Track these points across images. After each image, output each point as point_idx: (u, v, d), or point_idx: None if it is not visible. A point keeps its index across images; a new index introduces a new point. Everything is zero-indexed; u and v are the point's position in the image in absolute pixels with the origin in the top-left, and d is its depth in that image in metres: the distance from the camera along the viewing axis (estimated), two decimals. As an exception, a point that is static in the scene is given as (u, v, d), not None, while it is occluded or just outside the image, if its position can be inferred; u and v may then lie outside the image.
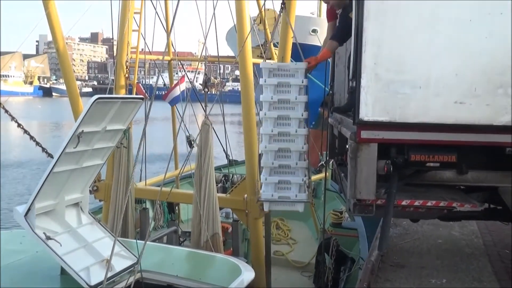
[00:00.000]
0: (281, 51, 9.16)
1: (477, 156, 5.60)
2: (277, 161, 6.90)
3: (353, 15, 5.56)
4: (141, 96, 7.42)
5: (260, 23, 14.50)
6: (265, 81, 6.81)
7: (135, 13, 11.62)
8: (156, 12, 12.45)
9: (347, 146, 5.65)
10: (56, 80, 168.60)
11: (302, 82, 6.76)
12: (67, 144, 5.81)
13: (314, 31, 25.25)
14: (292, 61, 7.62)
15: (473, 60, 5.10)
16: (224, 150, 13.62)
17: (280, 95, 6.78)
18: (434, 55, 5.13)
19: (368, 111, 5.22)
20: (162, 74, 13.71)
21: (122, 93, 10.93)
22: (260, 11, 13.21)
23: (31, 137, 9.94)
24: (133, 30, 11.69)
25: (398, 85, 5.16)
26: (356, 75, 5.23)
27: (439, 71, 5.13)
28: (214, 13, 9.19)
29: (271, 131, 6.82)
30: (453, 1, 5.10)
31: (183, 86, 13.59)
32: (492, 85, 5.10)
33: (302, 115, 6.78)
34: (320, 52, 7.34)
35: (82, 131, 5.85)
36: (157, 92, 6.80)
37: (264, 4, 13.89)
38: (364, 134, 5.35)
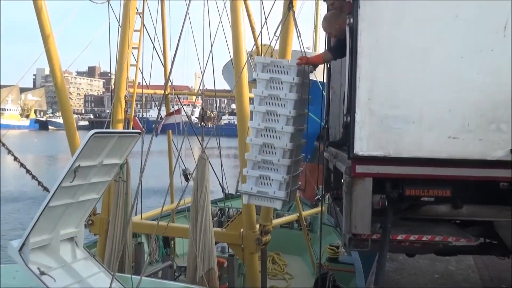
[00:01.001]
0: (282, 52, 9.14)
1: (471, 190, 5.63)
2: (260, 156, 6.86)
3: (347, 49, 5.66)
4: (138, 131, 7.48)
5: (257, 58, 14.66)
6: (257, 75, 6.83)
7: (133, 48, 11.76)
8: (154, 47, 12.62)
9: (342, 181, 5.67)
10: (52, 113, 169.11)
11: (293, 80, 6.71)
12: (63, 178, 5.83)
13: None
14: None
15: (466, 96, 5.18)
16: (220, 183, 13.63)
17: (271, 91, 6.77)
18: (427, 90, 5.22)
19: (362, 146, 5.27)
20: (159, 108, 13.76)
21: (120, 128, 11.00)
22: (257, 46, 13.37)
23: (27, 171, 9.91)
24: (131, 65, 11.82)
25: (392, 120, 5.23)
26: (351, 110, 5.30)
27: (432, 107, 5.21)
28: (211, 48, 9.33)
29: (258, 125, 6.81)
30: (445, 37, 5.21)
31: (178, 118, 13.67)
32: (484, 120, 5.17)
33: (290, 113, 6.71)
34: (314, 56, 7.40)
35: (79, 165, 5.88)
36: (152, 126, 6.85)
37: (261, 33, 14.07)
38: (359, 169, 5.38)
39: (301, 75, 6.88)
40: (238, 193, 7.44)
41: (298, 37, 8.41)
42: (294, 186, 7.35)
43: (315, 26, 35.82)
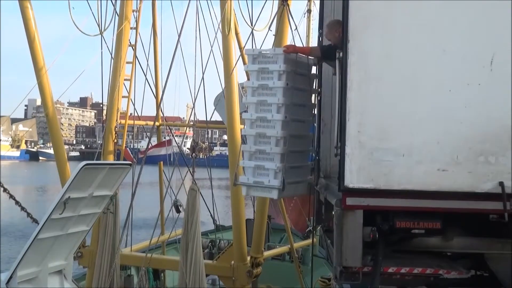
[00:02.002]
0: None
1: (461, 223, 5.65)
2: (255, 146, 6.89)
3: (337, 83, 5.73)
4: (129, 162, 7.49)
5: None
6: (247, 68, 6.95)
7: (125, 79, 11.81)
8: (146, 79, 12.68)
9: (333, 213, 5.67)
10: (43, 144, 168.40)
11: (280, 68, 6.72)
12: (52, 210, 5.81)
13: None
14: None
15: (454, 129, 5.25)
16: (211, 215, 13.56)
17: (261, 81, 6.83)
18: (416, 123, 5.28)
19: (353, 178, 5.29)
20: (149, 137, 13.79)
21: (110, 159, 10.98)
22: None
23: (17, 202, 9.84)
24: (123, 96, 11.86)
25: (382, 152, 5.27)
26: (341, 142, 5.34)
27: (421, 139, 5.27)
28: (202, 78, 9.40)
29: (251, 115, 6.87)
30: (433, 71, 5.30)
31: (169, 150, 13.65)
32: (473, 153, 5.22)
33: (279, 100, 6.72)
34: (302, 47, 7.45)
35: (69, 197, 5.86)
36: (138, 154, 6.84)
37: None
38: (350, 201, 5.39)
39: (290, 63, 6.89)
40: (235, 185, 7.46)
41: (294, 29, 8.49)
42: (301, 178, 7.42)
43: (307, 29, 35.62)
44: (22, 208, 9.93)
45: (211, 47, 10.34)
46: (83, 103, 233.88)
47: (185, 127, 17.79)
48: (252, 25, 10.63)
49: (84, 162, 5.89)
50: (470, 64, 5.25)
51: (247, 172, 7.01)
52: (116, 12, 10.87)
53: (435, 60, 5.29)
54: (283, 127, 6.75)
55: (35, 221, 9.54)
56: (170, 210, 12.05)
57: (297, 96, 7.02)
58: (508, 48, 5.21)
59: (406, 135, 5.27)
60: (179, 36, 9.24)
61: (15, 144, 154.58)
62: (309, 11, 34.56)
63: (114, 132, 11.01)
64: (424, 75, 5.30)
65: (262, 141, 6.89)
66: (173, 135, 15.44)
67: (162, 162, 14.45)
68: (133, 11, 11.46)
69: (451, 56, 5.26)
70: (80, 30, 10.39)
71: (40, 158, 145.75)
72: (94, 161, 6.54)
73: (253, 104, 6.88)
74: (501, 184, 5.17)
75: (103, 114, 11.90)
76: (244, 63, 13.46)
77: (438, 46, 5.27)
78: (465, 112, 5.23)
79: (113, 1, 10.84)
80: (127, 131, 13.39)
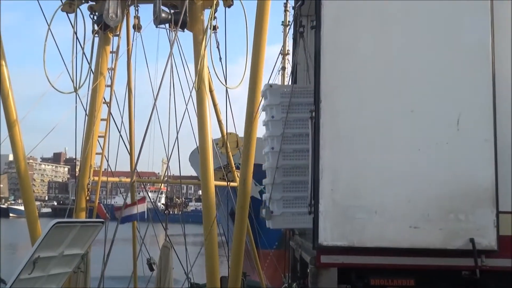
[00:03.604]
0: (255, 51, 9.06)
1: (434, 279, 5.66)
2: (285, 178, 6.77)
3: (310, 142, 5.83)
4: (102, 220, 7.39)
5: (222, 146, 14.87)
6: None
7: (99, 136, 11.76)
8: (121, 135, 12.63)
9: (308, 270, 5.66)
10: (14, 200, 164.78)
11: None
12: (21, 270, 5.66)
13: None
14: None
15: (424, 187, 5.35)
16: (185, 272, 13.32)
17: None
18: (387, 181, 5.38)
19: (327, 236, 5.31)
20: (123, 194, 13.69)
21: (82, 217, 10.79)
22: (223, 135, 13.58)
23: (-16, 262, 9.58)
24: (97, 153, 11.78)
25: (355, 210, 5.33)
26: (314, 200, 5.39)
27: (393, 197, 5.35)
28: (177, 138, 9.44)
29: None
30: (402, 131, 5.44)
31: (141, 208, 13.47)
32: (443, 210, 5.31)
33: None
34: None
35: (38, 256, 5.73)
36: (116, 216, 6.76)
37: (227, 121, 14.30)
38: (324, 259, 5.41)
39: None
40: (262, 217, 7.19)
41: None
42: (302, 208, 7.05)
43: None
44: (-11, 268, 9.65)
45: (186, 104, 10.44)
46: (56, 158, 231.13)
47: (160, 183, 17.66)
48: (225, 83, 10.78)
49: (55, 220, 5.79)
50: (438, 124, 5.41)
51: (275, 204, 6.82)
52: (91, 69, 10.94)
53: (404, 120, 5.45)
54: (273, 157, 6.73)
55: (3, 281, 9.25)
56: (143, 268, 11.85)
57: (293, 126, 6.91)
58: (473, 107, 5.40)
59: (378, 193, 5.36)
60: (155, 100, 9.31)
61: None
62: (283, 68, 35.32)
63: (87, 189, 10.89)
64: (394, 135, 5.45)
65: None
66: (147, 191, 15.31)
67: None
68: (108, 69, 11.55)
69: (419, 116, 5.42)
70: (54, 88, 10.38)
71: (11, 214, 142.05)
72: (66, 219, 6.44)
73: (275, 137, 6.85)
74: (471, 240, 5.24)
75: (77, 170, 11.77)
76: (218, 119, 13.63)
77: (406, 106, 5.44)
78: (434, 171, 5.36)
79: (88, 59, 10.93)
80: (101, 187, 13.23)
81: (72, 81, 10.60)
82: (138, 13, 11.18)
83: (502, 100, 5.42)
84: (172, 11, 10.74)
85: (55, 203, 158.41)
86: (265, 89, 7.00)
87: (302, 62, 8.39)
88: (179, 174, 13.18)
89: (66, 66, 10.65)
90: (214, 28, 10.68)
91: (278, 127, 6.75)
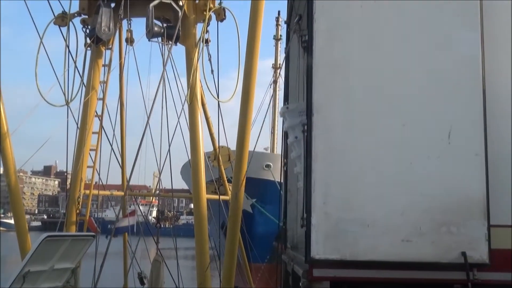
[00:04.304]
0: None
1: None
2: None
3: (302, 156, 5.84)
4: (93, 234, 7.35)
5: (214, 159, 14.86)
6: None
7: (90, 150, 11.71)
8: (112, 149, 12.58)
9: (300, 284, 5.64)
10: (4, 213, 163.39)
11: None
12: (11, 285, 5.61)
13: (267, 166, 25.92)
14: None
15: (416, 200, 5.36)
16: (176, 286, 13.23)
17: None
18: (379, 194, 5.38)
19: (319, 249, 5.30)
20: (115, 208, 13.63)
21: (73, 230, 10.71)
22: (215, 148, 13.58)
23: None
24: (88, 167, 11.73)
25: (347, 223, 5.32)
26: (307, 213, 5.38)
27: (386, 211, 5.35)
28: (169, 149, 9.43)
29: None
30: (394, 144, 5.46)
31: (132, 221, 13.40)
32: (435, 224, 5.32)
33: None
34: None
35: (28, 270, 5.68)
36: (109, 226, 6.72)
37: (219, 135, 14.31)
38: (316, 272, 5.39)
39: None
40: None
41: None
42: None
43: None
44: (-22, 282, 9.55)
45: (178, 118, 10.44)
46: (47, 171, 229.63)
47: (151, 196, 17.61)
48: (217, 97, 10.81)
49: (45, 234, 5.76)
50: (429, 138, 5.44)
51: None
52: (83, 83, 10.93)
53: (396, 134, 5.47)
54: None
55: (-8, 296, 9.17)
56: (134, 282, 11.76)
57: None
58: (464, 121, 5.44)
59: (371, 206, 5.36)
60: (149, 116, 9.31)
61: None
62: (275, 81, 35.54)
63: (77, 203, 10.82)
64: (386, 148, 5.46)
65: None
66: (138, 205, 15.23)
67: (126, 233, 14.16)
68: (100, 82, 11.53)
69: (410, 129, 5.45)
70: (46, 101, 10.36)
71: (0, 228, 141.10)
72: (56, 233, 6.40)
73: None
74: (463, 254, 5.24)
75: (67, 183, 11.69)
76: (210, 132, 13.64)
77: (398, 120, 5.46)
78: (426, 184, 5.37)
79: (80, 72, 10.91)
80: (92, 200, 13.16)
81: (64, 94, 10.58)
82: (130, 26, 11.20)
83: (492, 114, 5.46)
84: (164, 24, 10.79)
85: (45, 217, 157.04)
86: (283, 111, 7.11)
87: (294, 76, 8.46)
88: (171, 187, 13.14)
89: (58, 79, 10.64)
90: (206, 41, 10.75)
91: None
